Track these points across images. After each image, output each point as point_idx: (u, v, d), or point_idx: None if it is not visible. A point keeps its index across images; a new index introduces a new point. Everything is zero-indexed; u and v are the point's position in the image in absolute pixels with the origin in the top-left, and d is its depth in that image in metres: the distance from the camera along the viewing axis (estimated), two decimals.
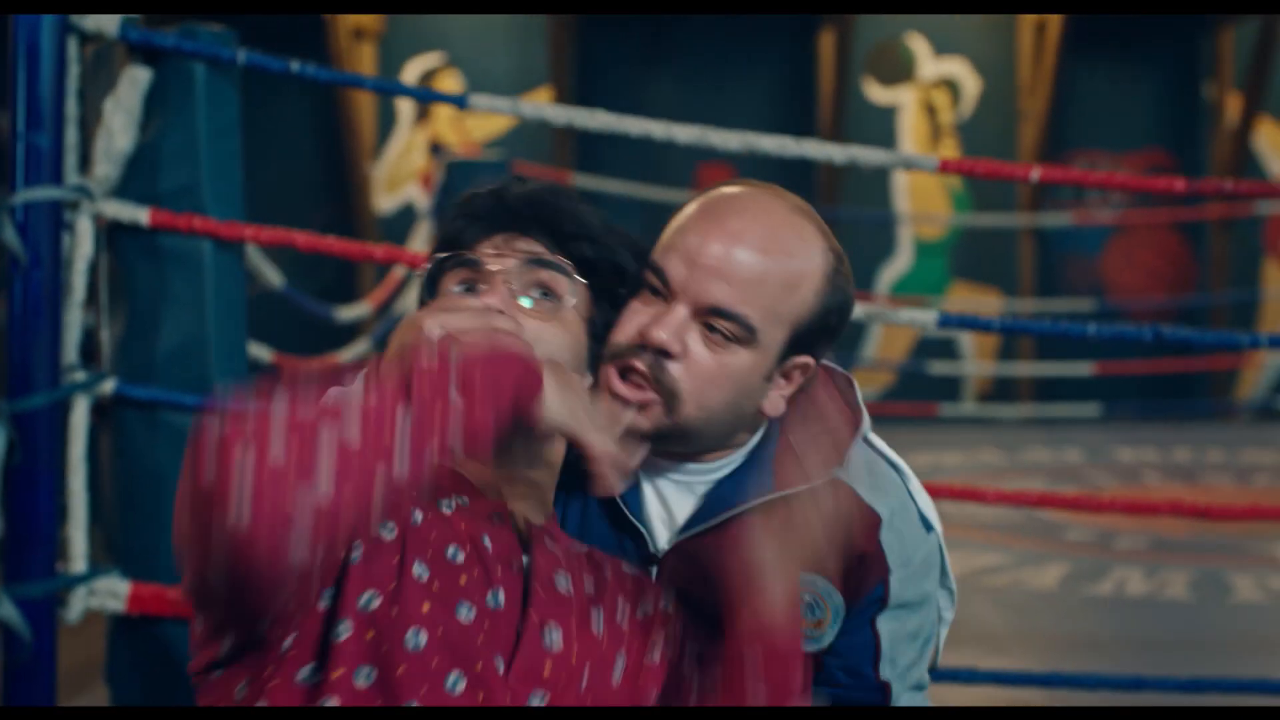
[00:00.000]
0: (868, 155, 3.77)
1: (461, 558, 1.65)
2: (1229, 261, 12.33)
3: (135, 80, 3.82)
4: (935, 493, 3.80)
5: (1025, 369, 11.77)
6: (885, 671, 1.94)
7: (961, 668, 4.08)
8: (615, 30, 12.03)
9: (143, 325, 3.84)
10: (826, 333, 1.90)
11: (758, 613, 1.70)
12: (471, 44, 12.05)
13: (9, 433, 3.59)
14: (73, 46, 3.74)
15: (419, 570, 1.62)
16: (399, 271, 9.16)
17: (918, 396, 11.62)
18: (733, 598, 1.73)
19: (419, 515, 1.65)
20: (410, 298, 9.68)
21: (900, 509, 1.93)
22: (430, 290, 1.79)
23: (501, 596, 1.66)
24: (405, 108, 12.01)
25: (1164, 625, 5.41)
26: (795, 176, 10.22)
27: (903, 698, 1.95)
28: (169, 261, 3.81)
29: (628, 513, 1.91)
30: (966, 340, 11.91)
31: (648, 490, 1.93)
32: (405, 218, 11.84)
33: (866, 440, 1.98)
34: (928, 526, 1.98)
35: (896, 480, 1.96)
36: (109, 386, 3.77)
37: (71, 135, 3.76)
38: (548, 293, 1.78)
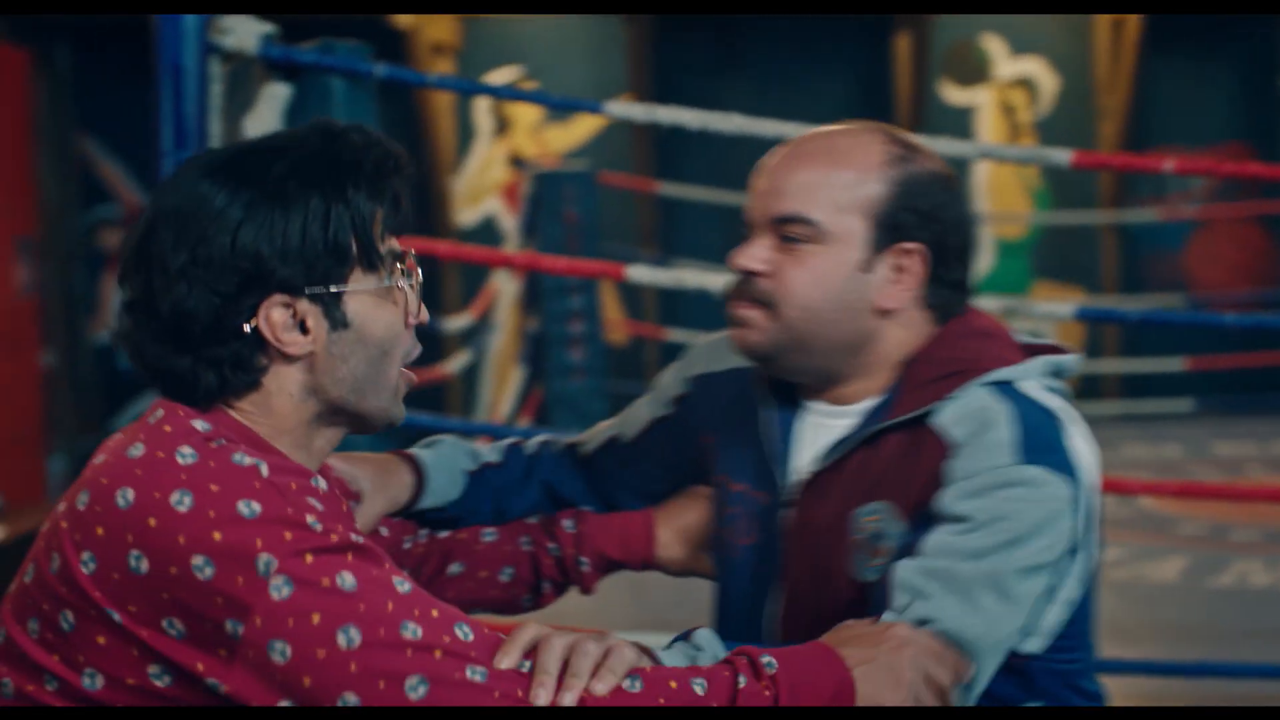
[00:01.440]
0: (998, 150, 3.78)
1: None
2: None
3: (274, 96, 3.89)
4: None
5: (1112, 365, 11.73)
6: (915, 571, 1.81)
7: (1104, 659, 4.10)
8: (691, 38, 12.08)
9: None
10: (922, 217, 1.96)
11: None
12: (550, 56, 12.11)
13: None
14: (214, 65, 3.81)
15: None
16: (496, 281, 9.21)
17: None
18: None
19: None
20: (501, 311, 9.76)
21: (982, 433, 1.87)
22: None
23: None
24: (484, 121, 12.08)
25: None
26: None
27: (947, 624, 1.78)
28: None
29: (772, 452, 2.01)
30: (1049, 336, 11.88)
31: (800, 430, 2.02)
32: (485, 231, 11.91)
33: (1009, 385, 1.93)
34: (1028, 458, 1.85)
35: (994, 415, 1.88)
36: None
37: None
38: None
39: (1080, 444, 1.92)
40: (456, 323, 8.18)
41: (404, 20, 10.68)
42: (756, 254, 1.98)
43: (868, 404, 1.98)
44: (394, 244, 1.77)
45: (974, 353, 1.95)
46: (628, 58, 11.71)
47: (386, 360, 1.75)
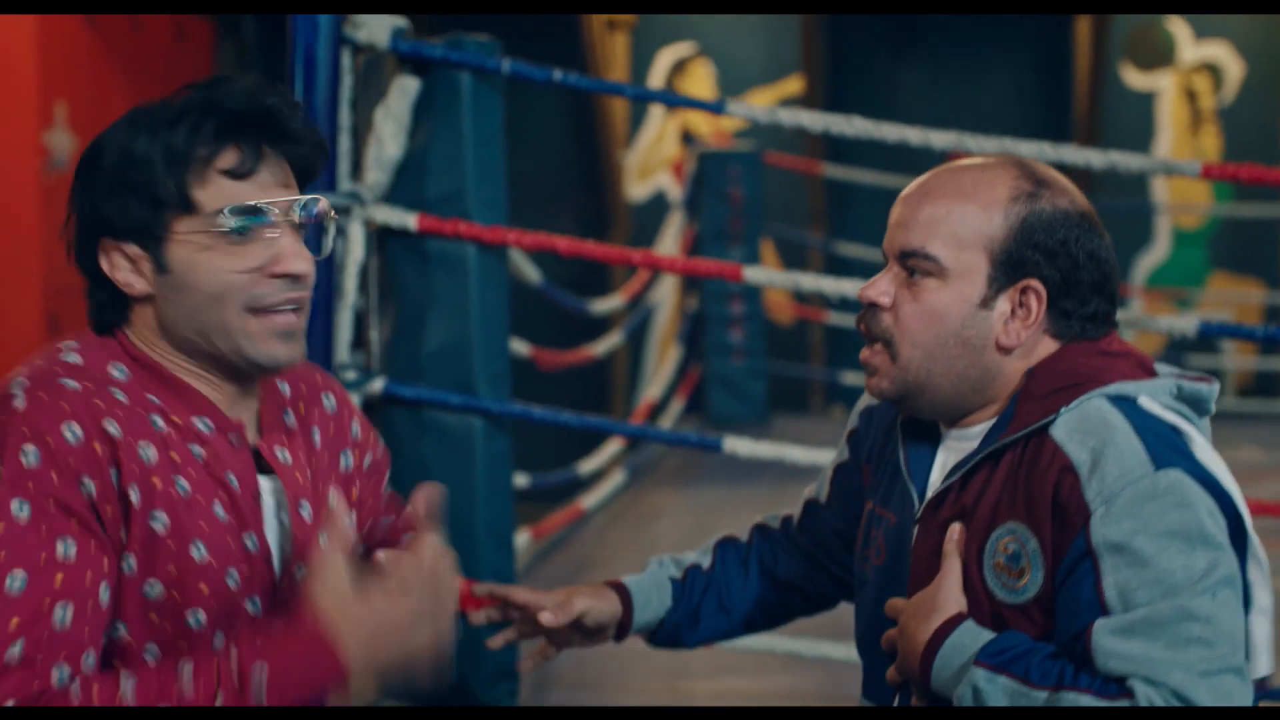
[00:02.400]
0: (1126, 160, 3.73)
1: (223, 514, 1.77)
2: None
3: (405, 89, 3.95)
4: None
5: None
6: (1115, 634, 1.78)
7: None
8: (866, 18, 11.99)
9: (410, 326, 3.98)
10: (1046, 254, 1.94)
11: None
12: (722, 33, 12.11)
13: None
14: (346, 58, 3.88)
15: (195, 553, 1.74)
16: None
17: None
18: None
19: (184, 483, 1.74)
20: (663, 290, 9.80)
21: (1106, 449, 1.84)
22: None
23: (255, 541, 1.79)
24: None
25: None
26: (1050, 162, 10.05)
27: (1174, 678, 1.76)
28: (435, 265, 3.94)
29: (906, 475, 2.03)
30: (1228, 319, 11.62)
31: (933, 454, 2.03)
32: (657, 205, 11.96)
33: (1128, 400, 1.91)
34: (1163, 464, 1.82)
35: (1114, 424, 1.86)
36: (378, 385, 3.91)
37: (345, 143, 3.90)
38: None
39: (1208, 453, 1.90)
40: (606, 305, 8.23)
41: None
42: (880, 286, 2.00)
43: (989, 424, 1.98)
44: (232, 187, 1.75)
45: (1096, 369, 1.94)
46: (801, 37, 11.65)
47: (219, 306, 1.76)
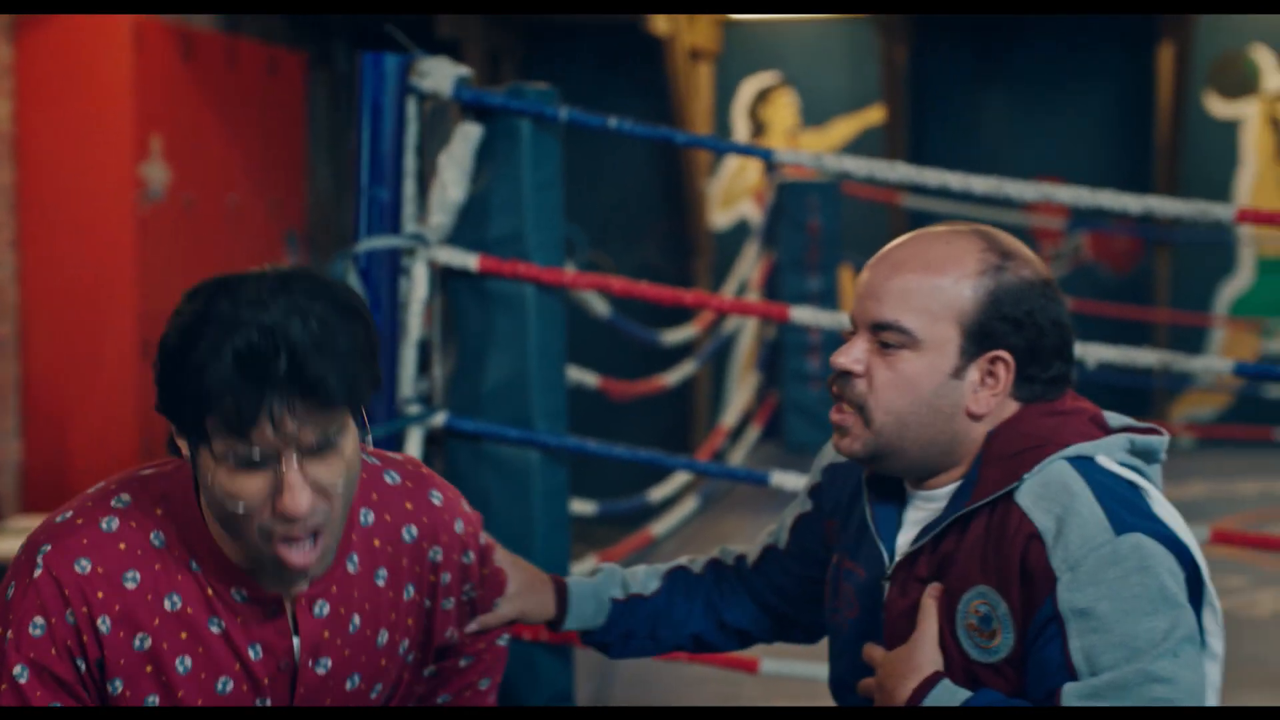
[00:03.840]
0: (1214, 210, 3.79)
1: (230, 687, 1.93)
2: None
3: (467, 136, 4.11)
4: (1226, 539, 3.84)
5: None
6: (1083, 697, 1.88)
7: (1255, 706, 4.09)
8: (948, 48, 12.06)
9: (471, 362, 4.14)
10: (1014, 324, 2.04)
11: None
12: (806, 62, 12.23)
13: None
14: (411, 106, 4.04)
15: None
16: (727, 293, 9.37)
17: (1255, 420, 11.34)
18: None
19: (188, 662, 1.91)
20: (745, 318, 9.92)
21: (1069, 516, 1.94)
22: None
23: (269, 702, 1.96)
24: (740, 125, 12.26)
25: None
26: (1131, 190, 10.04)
27: None
28: (495, 304, 4.10)
29: (875, 533, 2.13)
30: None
31: (900, 513, 2.14)
32: (739, 233, 12.08)
33: (1086, 460, 2.01)
34: (1122, 529, 1.93)
35: (1075, 490, 1.96)
36: (440, 419, 4.07)
37: (410, 187, 4.07)
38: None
39: (1165, 508, 2.01)
40: (676, 335, 8.37)
41: (662, 26, 10.89)
42: (853, 354, 2.08)
43: (954, 486, 2.09)
44: (230, 432, 1.78)
45: (1051, 429, 2.04)
46: (883, 67, 11.74)
47: (232, 521, 1.84)
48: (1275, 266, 11.93)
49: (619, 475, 9.88)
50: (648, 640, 2.44)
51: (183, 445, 1.87)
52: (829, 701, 2.25)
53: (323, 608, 1.98)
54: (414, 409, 4.04)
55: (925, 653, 2.01)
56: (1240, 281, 11.91)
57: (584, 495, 5.90)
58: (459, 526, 2.13)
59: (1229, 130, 11.90)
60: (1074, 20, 11.47)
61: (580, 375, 6.05)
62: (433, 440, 4.07)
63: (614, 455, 4.23)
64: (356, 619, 2.00)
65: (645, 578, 2.47)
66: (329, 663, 1.99)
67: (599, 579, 2.44)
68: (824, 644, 2.53)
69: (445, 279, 4.15)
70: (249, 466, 1.80)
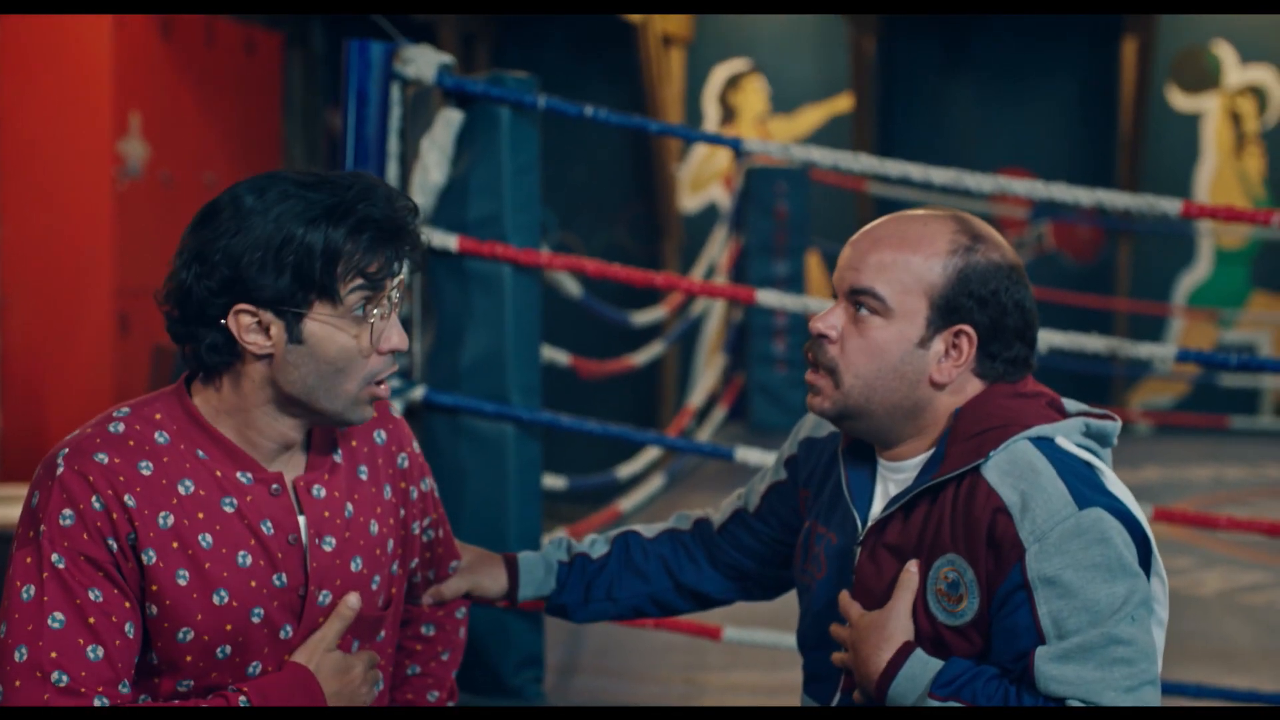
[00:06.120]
0: (1161, 204, 3.96)
1: (250, 560, 2.10)
2: None
3: (449, 121, 4.26)
4: (1168, 517, 4.03)
5: None
6: (1054, 660, 2.06)
7: (1189, 683, 4.28)
8: (916, 38, 12.24)
9: (449, 339, 4.29)
10: (979, 302, 2.21)
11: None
12: (776, 50, 12.39)
13: None
14: (395, 91, 4.18)
15: (218, 599, 2.07)
16: (696, 276, 9.52)
17: (1211, 408, 11.59)
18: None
19: (209, 538, 2.08)
20: (712, 300, 10.09)
21: (1034, 491, 2.11)
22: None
23: (285, 578, 2.12)
24: (711, 112, 12.42)
25: None
26: (1093, 184, 10.24)
27: (1106, 696, 2.04)
28: (473, 283, 4.25)
29: (849, 501, 2.30)
30: (1266, 350, 11.80)
31: (872, 482, 2.31)
32: (708, 217, 12.25)
33: (1047, 440, 2.19)
34: (1084, 504, 2.10)
35: (1039, 468, 2.13)
36: (419, 393, 4.23)
37: (393, 170, 4.21)
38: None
39: (1117, 485, 2.20)
40: (646, 317, 8.54)
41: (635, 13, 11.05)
42: (829, 320, 2.26)
43: (922, 458, 2.26)
44: (366, 285, 2.05)
45: (1015, 411, 2.22)
46: (852, 56, 11.92)
47: (340, 376, 2.07)
48: (1232, 258, 12.15)
49: (588, 452, 10.06)
50: (606, 602, 2.60)
51: (255, 338, 2.05)
52: (791, 666, 2.40)
53: (320, 491, 2.17)
54: (394, 383, 4.19)
55: (899, 621, 2.18)
56: (1199, 272, 12.13)
57: (554, 471, 6.07)
58: (416, 447, 2.37)
59: (1190, 123, 12.11)
60: (1040, 14, 11.66)
61: (552, 354, 6.21)
62: (411, 413, 4.23)
63: (586, 429, 4.40)
64: (349, 506, 2.20)
65: (592, 542, 2.64)
66: (333, 541, 2.16)
67: (546, 548, 2.62)
68: (786, 612, 2.71)
69: (425, 258, 4.29)
70: (363, 317, 2.05)
